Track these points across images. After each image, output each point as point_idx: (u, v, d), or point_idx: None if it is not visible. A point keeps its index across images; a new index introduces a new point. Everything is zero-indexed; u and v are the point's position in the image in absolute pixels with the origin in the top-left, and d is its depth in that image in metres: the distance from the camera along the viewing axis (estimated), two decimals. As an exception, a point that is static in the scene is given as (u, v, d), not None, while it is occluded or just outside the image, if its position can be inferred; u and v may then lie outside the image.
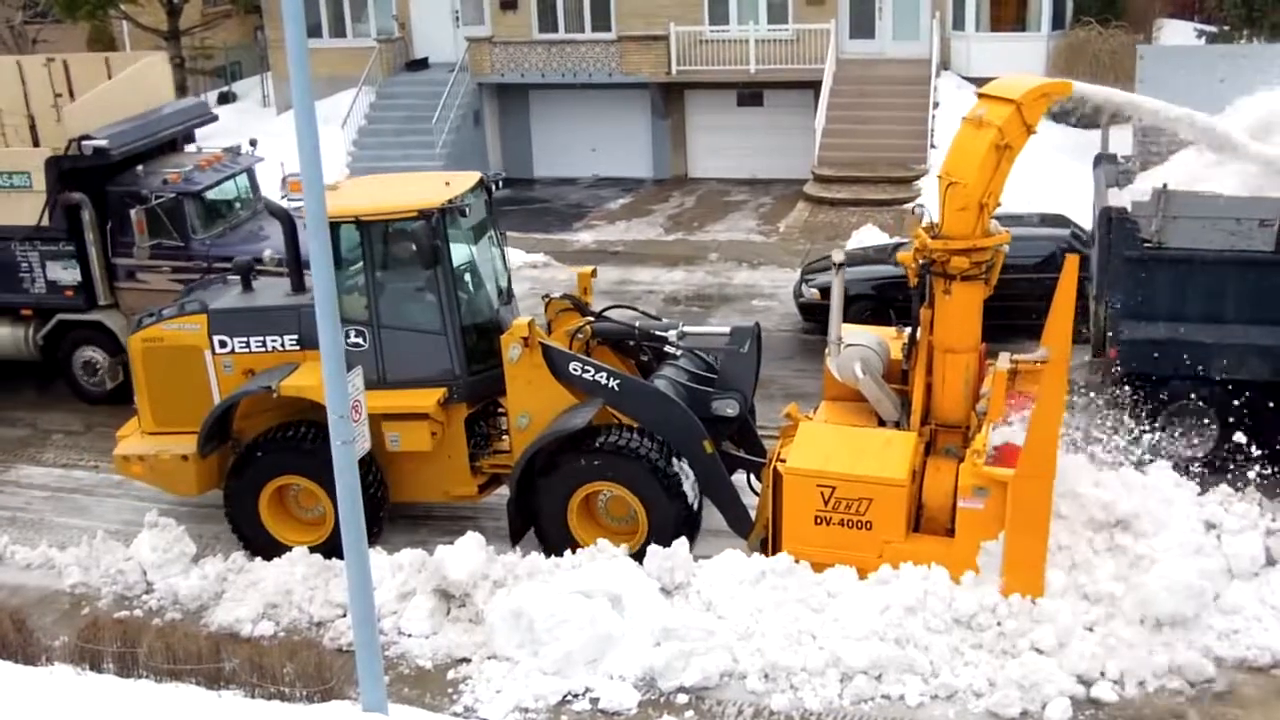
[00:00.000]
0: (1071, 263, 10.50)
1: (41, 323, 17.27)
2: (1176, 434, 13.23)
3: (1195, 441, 13.43)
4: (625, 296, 19.39)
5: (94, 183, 16.73)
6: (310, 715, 9.62)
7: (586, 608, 10.73)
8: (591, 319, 13.25)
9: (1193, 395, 13.32)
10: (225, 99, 33.90)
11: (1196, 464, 13.03)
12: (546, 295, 13.69)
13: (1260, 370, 12.98)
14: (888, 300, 16.90)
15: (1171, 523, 11.12)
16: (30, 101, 18.61)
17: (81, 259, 16.84)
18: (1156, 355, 13.09)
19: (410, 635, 11.35)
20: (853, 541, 11.05)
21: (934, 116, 26.01)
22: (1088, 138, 24.01)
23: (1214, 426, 13.41)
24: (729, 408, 12.47)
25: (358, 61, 29.36)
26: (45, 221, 16.60)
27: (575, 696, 10.45)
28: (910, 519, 11.17)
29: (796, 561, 11.11)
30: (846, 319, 12.05)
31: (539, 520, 12.32)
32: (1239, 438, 12.59)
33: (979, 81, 24.47)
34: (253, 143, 18.66)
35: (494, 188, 13.18)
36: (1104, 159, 15.60)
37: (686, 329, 13.20)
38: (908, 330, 12.02)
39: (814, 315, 17.89)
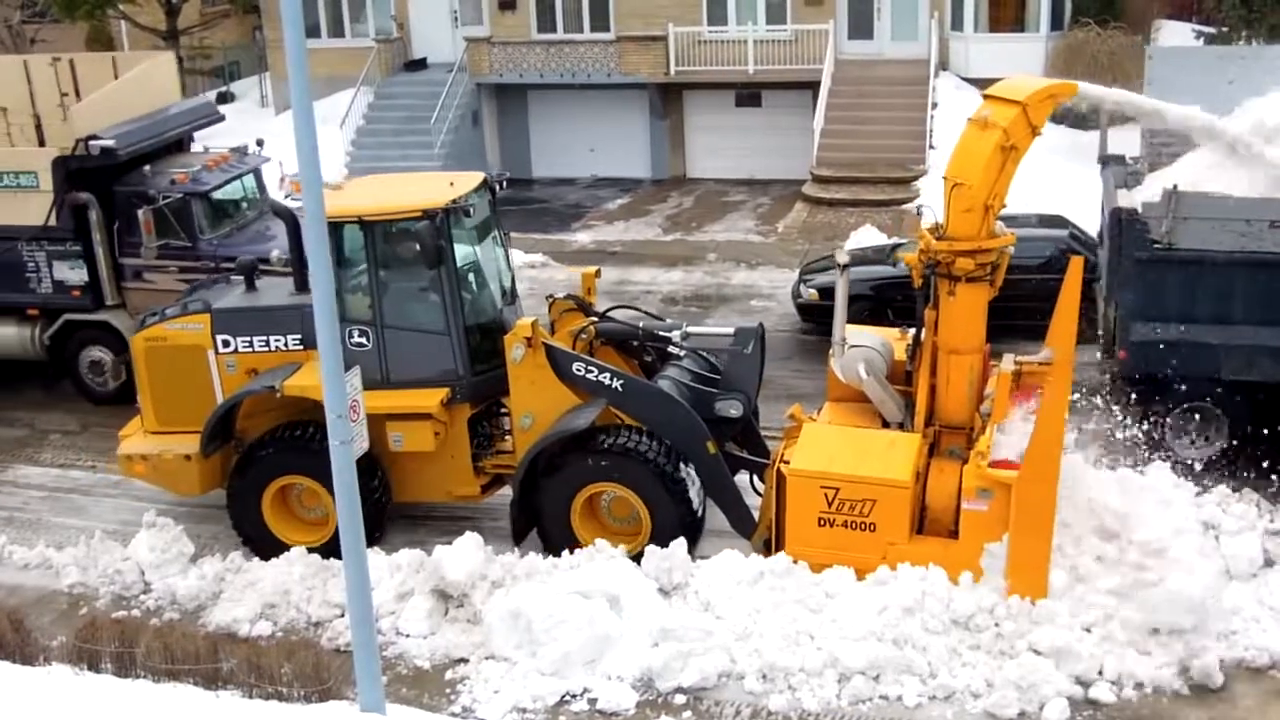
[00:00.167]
0: (1076, 264, 10.49)
1: (48, 323, 17.23)
2: (1186, 435, 13.21)
3: (1205, 443, 13.42)
4: (623, 297, 19.36)
5: (101, 183, 16.70)
6: (308, 715, 9.59)
7: (585, 608, 10.72)
8: (595, 319, 13.24)
9: (1202, 397, 13.29)
10: (223, 99, 33.77)
11: (1203, 465, 13.01)
12: (550, 295, 13.68)
13: (1271, 372, 12.94)
14: (886, 301, 16.92)
15: (1171, 526, 11.10)
16: (36, 101, 18.54)
17: (88, 259, 16.81)
18: (1166, 356, 13.06)
19: (408, 635, 11.34)
20: (856, 543, 11.04)
21: (932, 117, 25.99)
22: (1085, 139, 24.05)
23: (1224, 428, 13.41)
24: (732, 408, 12.45)
25: (356, 62, 29.32)
26: (52, 221, 16.57)
27: (573, 697, 10.44)
28: (914, 521, 11.15)
29: (794, 562, 11.10)
30: (843, 319, 12.04)
31: (542, 521, 12.30)
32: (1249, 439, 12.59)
33: (977, 82, 24.69)
34: (259, 143, 18.62)
35: (498, 188, 13.16)
36: (1112, 160, 15.59)
37: (690, 329, 13.19)
38: (912, 331, 12.00)
39: (812, 316, 17.87)
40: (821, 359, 12.01)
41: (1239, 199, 12.68)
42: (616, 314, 13.62)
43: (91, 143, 16.30)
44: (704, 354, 13.22)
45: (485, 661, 10.89)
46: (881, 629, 10.44)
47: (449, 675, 10.87)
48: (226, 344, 12.87)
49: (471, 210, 12.43)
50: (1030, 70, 23.43)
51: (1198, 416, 13.42)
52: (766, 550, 11.62)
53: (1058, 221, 17.99)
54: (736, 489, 12.20)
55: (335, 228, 12.00)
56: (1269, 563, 11.44)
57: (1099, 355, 15.06)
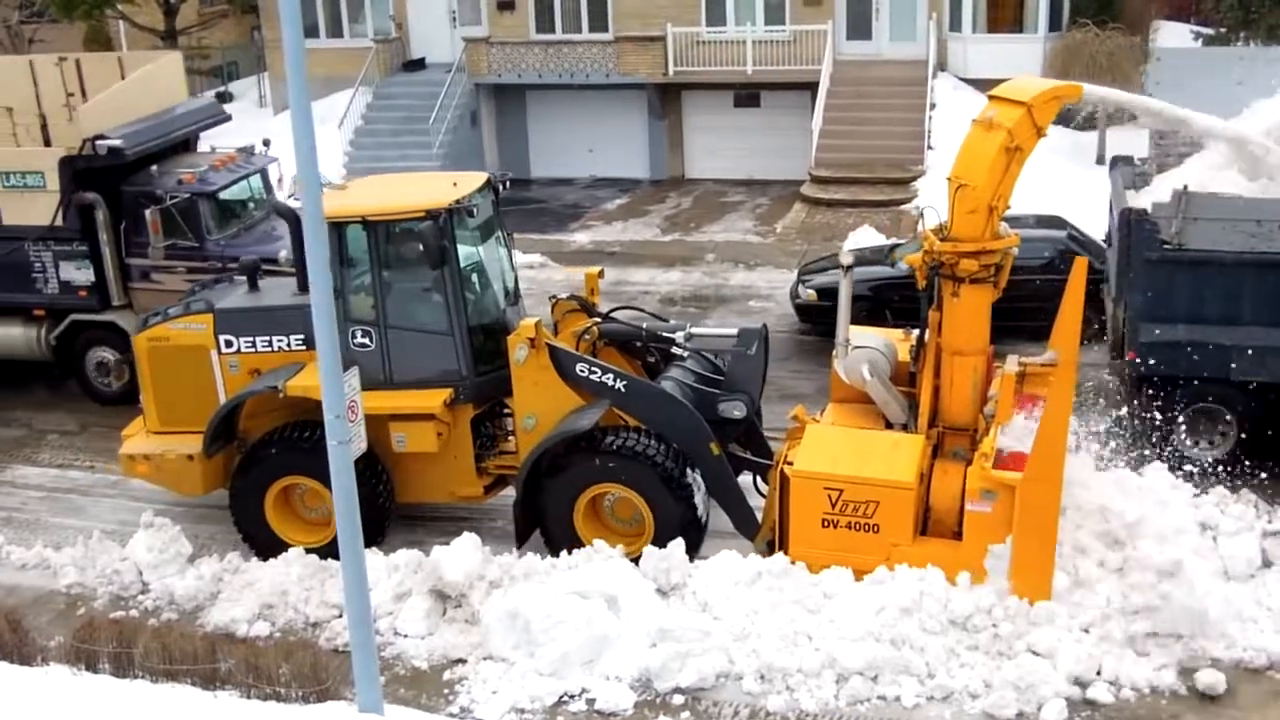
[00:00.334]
0: (1080, 265, 10.46)
1: (55, 323, 17.19)
2: (1194, 436, 13.20)
3: (1213, 443, 13.41)
4: (621, 297, 19.34)
5: (108, 183, 16.65)
6: (306, 716, 9.57)
7: (583, 609, 10.69)
8: (598, 320, 13.22)
9: (1212, 397, 13.28)
10: (222, 99, 33.58)
11: (1213, 466, 13.00)
12: (553, 296, 13.66)
13: None
14: (884, 301, 16.90)
15: (1169, 527, 11.10)
16: (42, 101, 18.50)
17: (95, 259, 16.76)
18: (1176, 357, 13.04)
19: (406, 636, 11.30)
20: (860, 544, 11.01)
21: (931, 118, 26.00)
22: (1084, 140, 24.07)
23: (1233, 428, 13.40)
24: (736, 409, 12.43)
25: (355, 62, 29.30)
26: (59, 221, 16.53)
27: (571, 697, 10.41)
28: (918, 522, 11.13)
29: (792, 562, 11.08)
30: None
31: (545, 521, 12.27)
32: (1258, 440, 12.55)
33: (976, 83, 24.69)
34: (266, 143, 18.59)
35: (501, 188, 13.13)
36: (1121, 161, 15.58)
37: (694, 330, 13.16)
38: (915, 332, 11.98)
39: (811, 316, 17.86)
40: (820, 359, 12.00)
41: (1249, 200, 12.67)
42: (619, 315, 13.60)
43: (98, 143, 16.26)
44: (707, 355, 13.20)
45: (483, 662, 10.86)
46: (879, 629, 10.42)
47: (447, 675, 10.84)
48: (229, 344, 12.84)
49: (475, 210, 12.38)
50: (1028, 71, 23.44)
51: (1207, 417, 13.40)
52: (770, 552, 11.58)
53: (1056, 222, 17.96)
54: (740, 490, 12.17)
55: (338, 228, 11.98)
56: (1267, 563, 11.42)
57: (1108, 356, 15.02)
